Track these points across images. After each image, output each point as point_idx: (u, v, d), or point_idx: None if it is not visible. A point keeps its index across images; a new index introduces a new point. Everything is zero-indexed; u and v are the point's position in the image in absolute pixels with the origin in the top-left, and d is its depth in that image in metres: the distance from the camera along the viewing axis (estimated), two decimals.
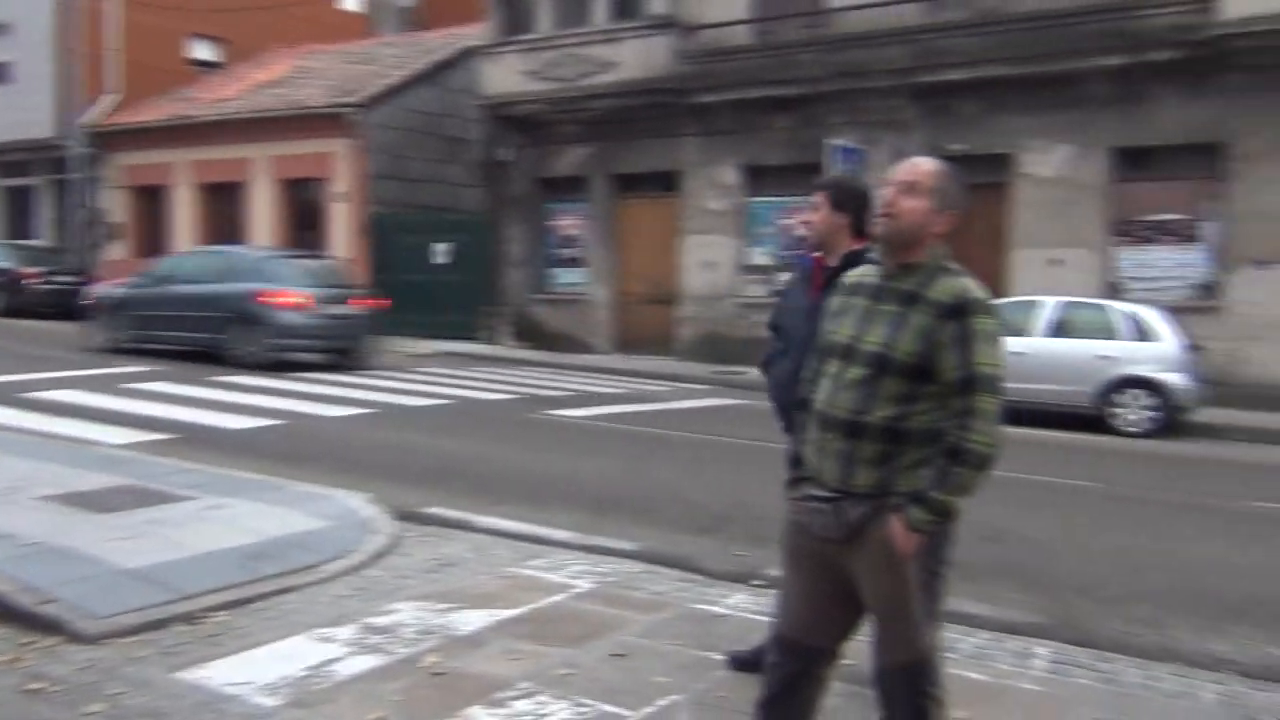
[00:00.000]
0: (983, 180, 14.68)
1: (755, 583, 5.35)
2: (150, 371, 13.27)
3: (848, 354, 2.74)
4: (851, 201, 3.92)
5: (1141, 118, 14.78)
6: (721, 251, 18.36)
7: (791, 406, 3.82)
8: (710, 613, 4.76)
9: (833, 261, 3.87)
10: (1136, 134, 14.86)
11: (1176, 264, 14.83)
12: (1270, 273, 13.94)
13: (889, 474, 2.67)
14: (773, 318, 4.26)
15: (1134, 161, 15.13)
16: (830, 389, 2.76)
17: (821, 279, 3.85)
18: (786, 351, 3.99)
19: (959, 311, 2.61)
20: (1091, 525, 6.92)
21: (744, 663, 3.96)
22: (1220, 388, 13.28)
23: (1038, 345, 11.97)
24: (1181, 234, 14.77)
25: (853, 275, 2.92)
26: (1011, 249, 15.52)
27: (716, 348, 18.08)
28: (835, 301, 2.90)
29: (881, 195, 2.78)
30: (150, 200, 25.61)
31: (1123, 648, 4.60)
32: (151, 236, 25.24)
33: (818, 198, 3.94)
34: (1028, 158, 15.58)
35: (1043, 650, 4.46)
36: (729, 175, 18.25)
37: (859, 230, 3.91)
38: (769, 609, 4.82)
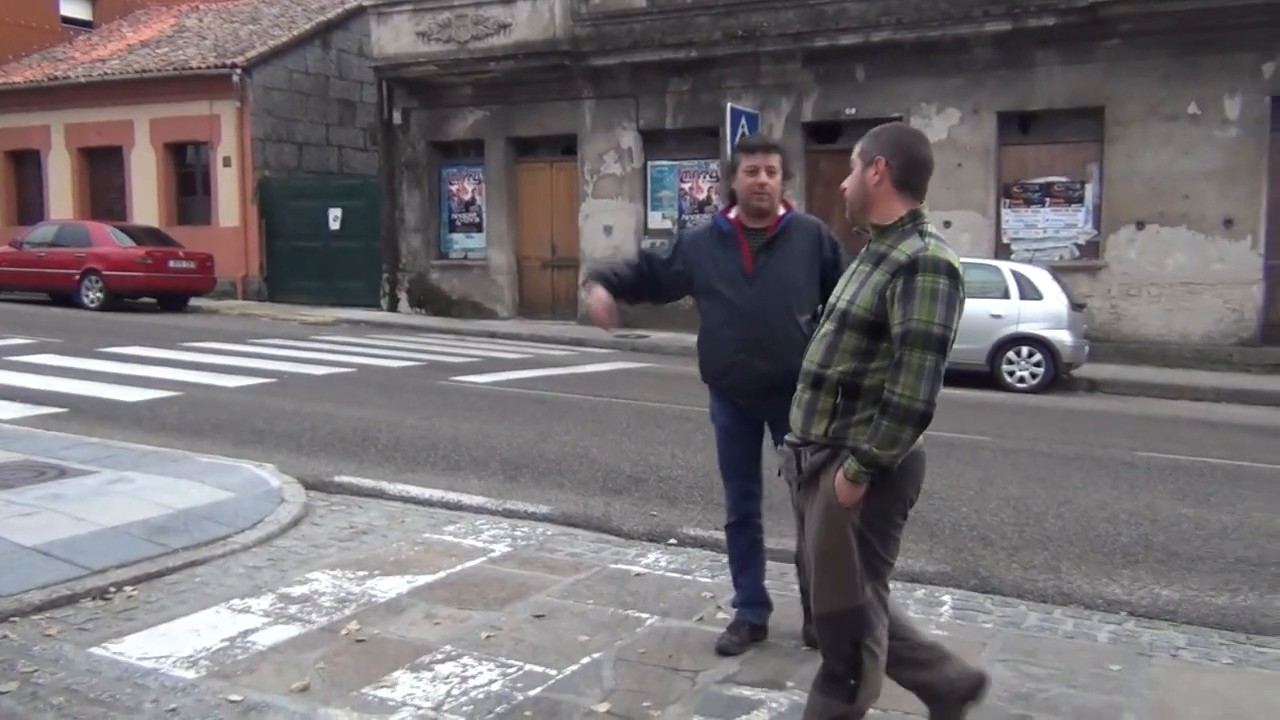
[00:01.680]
0: None
1: (671, 542, 5.44)
2: (36, 344, 12.77)
3: (829, 313, 2.87)
4: (789, 165, 3.95)
5: (1027, 83, 15.23)
6: (622, 215, 18.36)
7: (732, 375, 3.88)
8: (628, 572, 4.83)
9: (762, 223, 3.87)
10: (1023, 98, 15.30)
11: (1062, 225, 15.36)
12: (1146, 233, 14.54)
13: (842, 427, 2.76)
14: (663, 255, 4.09)
15: (1021, 125, 15.59)
16: (810, 343, 2.92)
17: (750, 243, 3.85)
18: (725, 322, 3.86)
19: (909, 269, 2.66)
20: (989, 478, 7.17)
21: (731, 646, 3.92)
22: (1102, 344, 13.86)
23: None
24: (1066, 196, 15.29)
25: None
26: None
27: (619, 311, 18.09)
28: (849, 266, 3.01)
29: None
30: (22, 166, 24.50)
31: (1023, 593, 4.82)
32: (25, 204, 24.19)
33: (774, 160, 3.85)
34: (918, 121, 15.88)
35: (948, 597, 4.65)
36: (628, 139, 18.23)
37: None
38: (687, 566, 4.93)
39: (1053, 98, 15.01)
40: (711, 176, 17.69)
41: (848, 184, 2.89)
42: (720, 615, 4.26)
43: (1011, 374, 12.32)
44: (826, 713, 2.86)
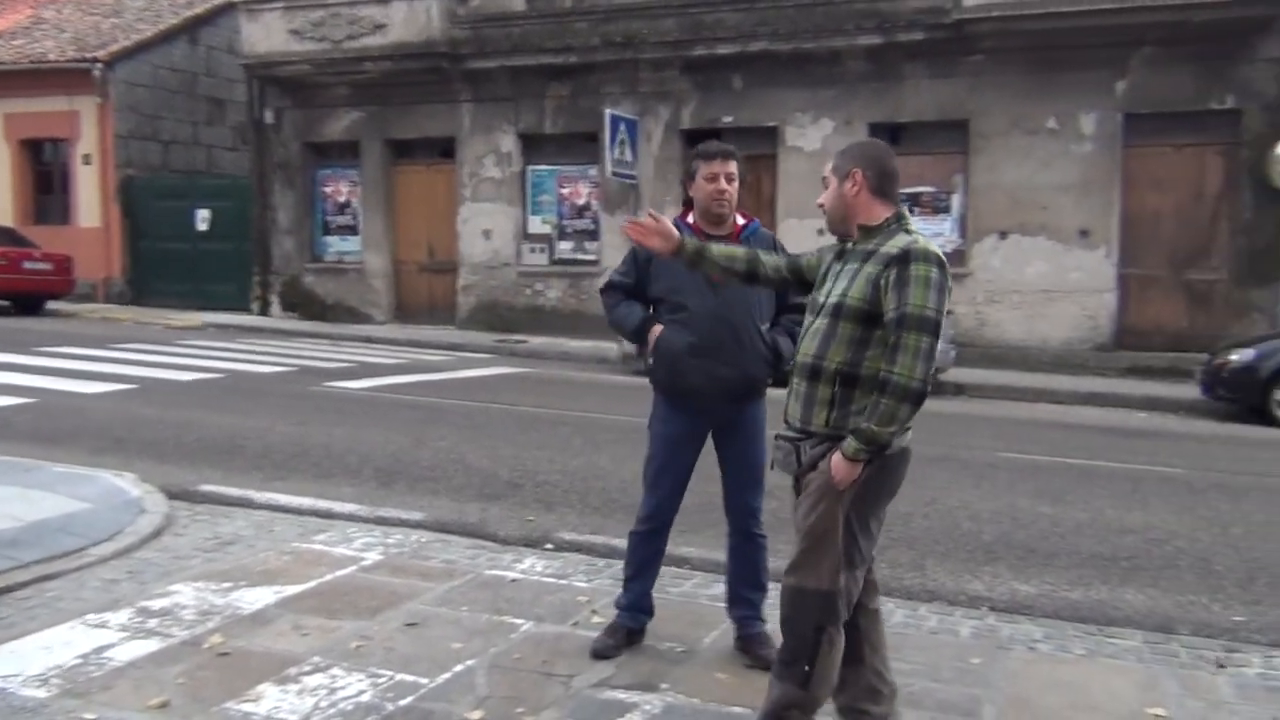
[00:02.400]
0: (752, 152, 15.17)
1: (547, 547, 5.42)
2: None
3: (817, 309, 3.04)
4: (746, 176, 3.94)
5: (896, 95, 15.67)
6: (500, 220, 18.24)
7: (691, 379, 3.84)
8: (503, 578, 4.79)
9: (722, 231, 3.85)
10: (892, 110, 15.73)
11: (929, 233, 15.68)
12: (1008, 242, 15.11)
13: (842, 417, 2.92)
14: (631, 284, 3.99)
15: (891, 136, 15.96)
16: (800, 339, 3.08)
17: None
18: (685, 327, 3.80)
19: (901, 259, 2.86)
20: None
21: (606, 650, 3.90)
22: (968, 349, 14.34)
23: None
24: (934, 205, 15.77)
25: (840, 246, 3.14)
26: (782, 219, 16.14)
27: (498, 316, 18.02)
28: (823, 269, 3.16)
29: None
30: None
31: (890, 591, 4.91)
32: None
33: (733, 167, 3.83)
34: (793, 131, 16.21)
35: None
36: (507, 142, 18.12)
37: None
38: (563, 571, 4.92)
39: (921, 110, 15.47)
40: (591, 182, 17.71)
41: (825, 200, 3.08)
42: (596, 619, 4.26)
43: None
44: (782, 701, 2.99)
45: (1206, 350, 12.65)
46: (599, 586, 4.71)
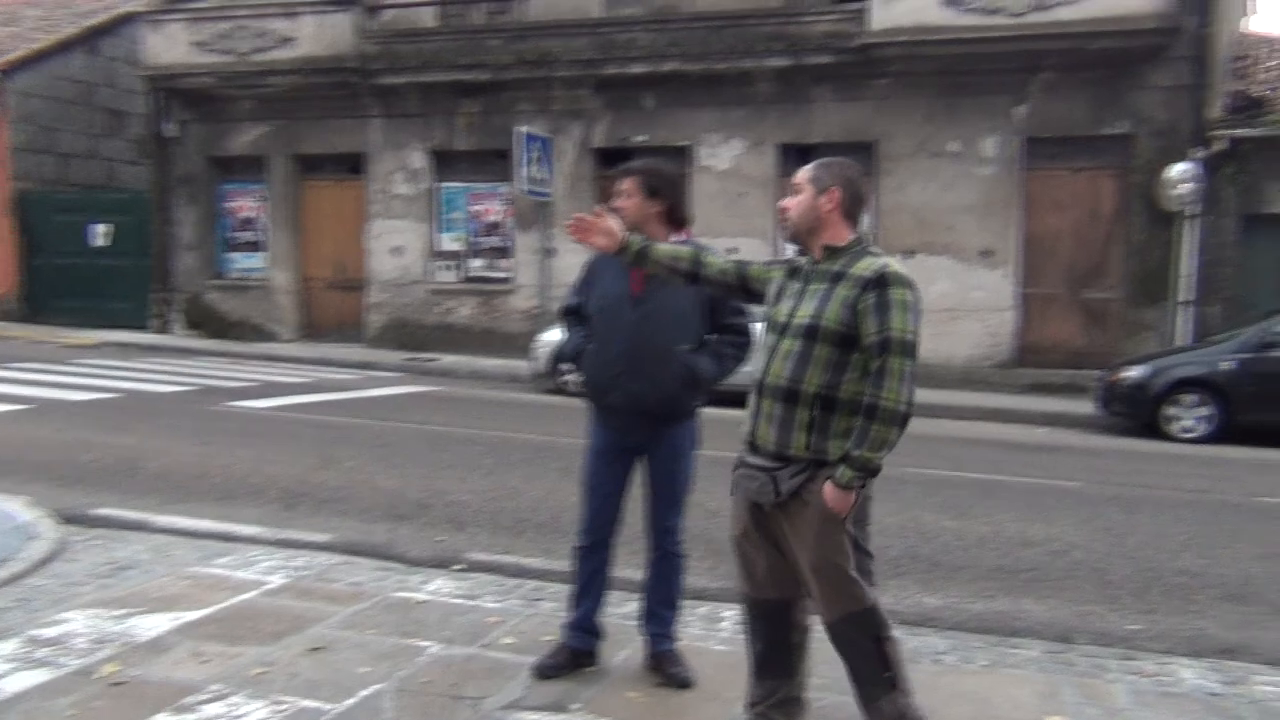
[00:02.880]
0: None
1: (457, 567, 5.35)
2: None
3: (784, 330, 3.04)
4: (666, 188, 3.82)
5: (805, 117, 15.93)
6: (411, 237, 18.05)
7: (612, 395, 3.82)
8: (411, 600, 4.72)
9: None
10: (801, 131, 15.98)
11: (795, 256, 16.06)
12: (914, 262, 15.42)
13: (821, 440, 2.95)
14: (579, 304, 3.98)
15: (800, 157, 16.21)
16: (766, 360, 3.06)
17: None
18: (605, 343, 3.79)
19: (878, 283, 2.91)
20: None
21: (548, 669, 3.87)
22: None
23: None
24: None
25: (792, 263, 3.19)
26: (694, 237, 16.20)
27: (407, 334, 17.81)
28: (775, 286, 3.20)
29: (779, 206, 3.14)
30: None
31: None
32: None
33: (627, 184, 3.80)
34: (705, 151, 16.36)
35: (730, 613, 4.75)
36: (417, 159, 17.96)
37: (674, 219, 3.83)
38: (473, 592, 4.86)
39: (829, 132, 15.73)
40: (503, 199, 17.63)
41: (793, 206, 3.09)
42: (506, 640, 4.22)
43: None
44: (884, 711, 3.05)
45: (1102, 367, 13.08)
46: (509, 607, 4.66)
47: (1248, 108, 14.40)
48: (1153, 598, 5.37)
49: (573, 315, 4.01)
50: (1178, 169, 13.92)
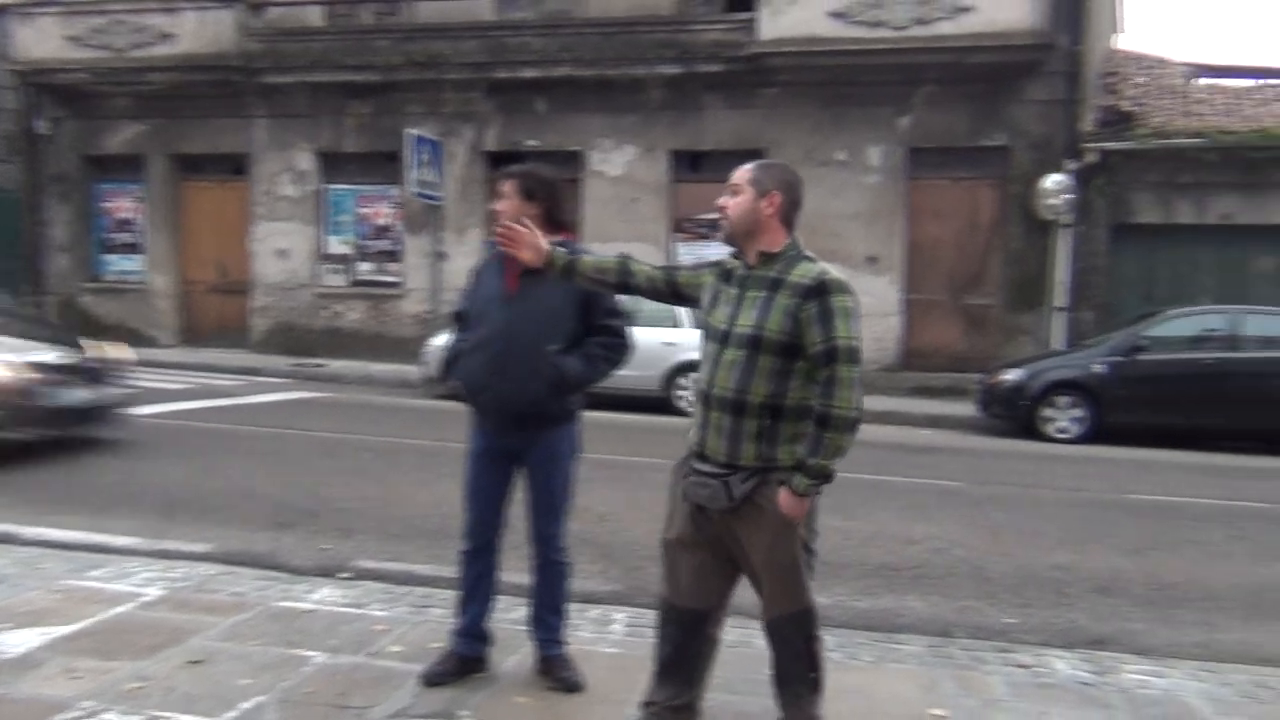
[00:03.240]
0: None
1: (343, 575, 5.25)
2: None
3: (725, 339, 3.01)
4: (542, 191, 3.75)
5: (696, 124, 16.09)
6: (297, 239, 17.69)
7: (483, 397, 3.77)
8: (296, 609, 4.61)
9: None
10: (693, 139, 16.14)
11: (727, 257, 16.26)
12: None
13: (770, 448, 2.96)
14: (461, 306, 3.97)
15: (690, 163, 16.41)
16: (711, 371, 3.03)
17: (517, 269, 3.71)
18: (479, 343, 3.76)
19: (819, 291, 2.91)
20: (655, 497, 7.44)
21: (436, 677, 3.81)
22: None
23: None
24: None
25: (722, 266, 3.17)
26: (585, 242, 16.17)
27: (295, 339, 17.44)
28: (709, 291, 3.16)
29: (716, 204, 3.12)
30: None
31: None
32: None
33: (506, 186, 3.75)
34: (597, 156, 16.40)
35: (621, 615, 4.77)
36: (304, 160, 17.61)
37: (553, 221, 3.76)
38: (360, 600, 4.77)
39: (720, 139, 15.92)
40: (393, 202, 17.40)
41: (733, 206, 3.06)
42: (394, 648, 4.16)
43: (682, 399, 12.89)
44: (806, 711, 3.12)
45: (982, 371, 13.50)
46: (397, 615, 4.60)
47: (1117, 122, 15.05)
48: (1028, 592, 5.56)
49: (457, 319, 3.99)
50: (1052, 180, 14.46)
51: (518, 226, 3.39)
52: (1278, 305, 13.79)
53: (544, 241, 3.38)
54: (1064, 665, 4.33)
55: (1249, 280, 14.78)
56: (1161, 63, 18.65)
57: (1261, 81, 17.94)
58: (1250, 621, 5.15)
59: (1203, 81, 17.99)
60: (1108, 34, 17.37)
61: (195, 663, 3.92)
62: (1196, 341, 12.12)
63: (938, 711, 3.75)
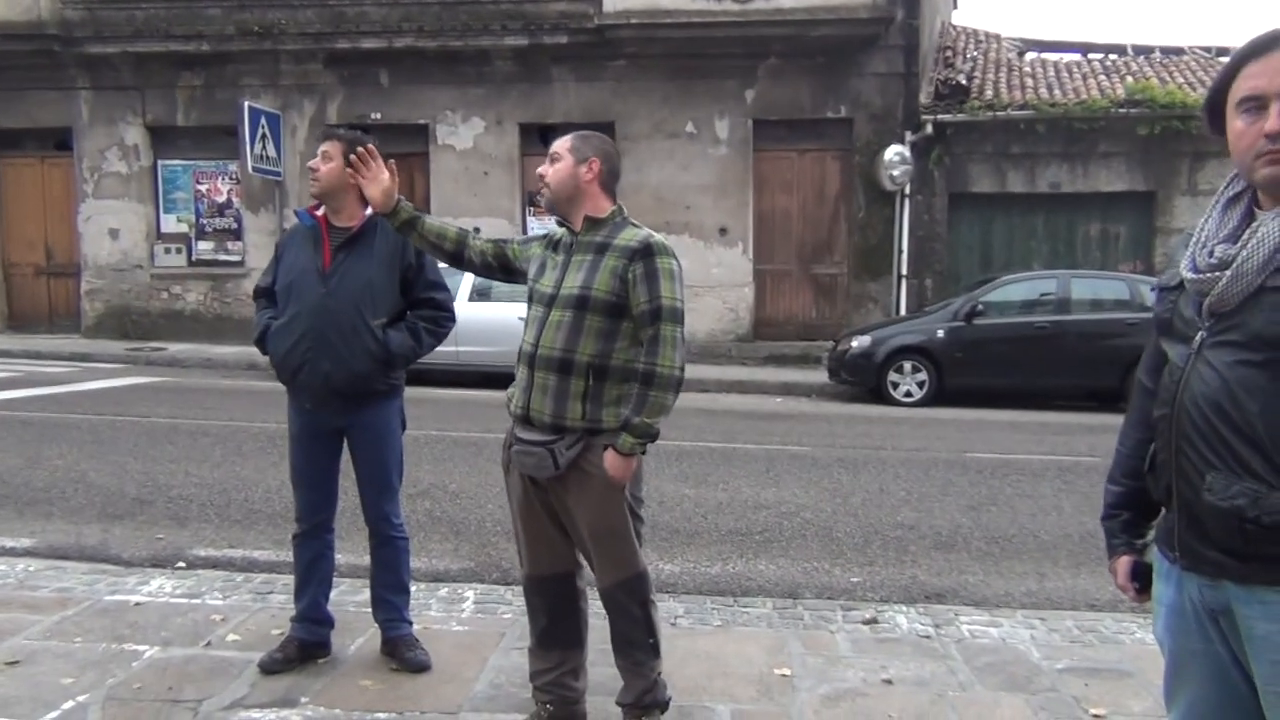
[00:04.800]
0: (402, 150, 15.00)
1: (179, 565, 5.04)
2: None
3: (552, 301, 3.02)
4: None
5: (545, 96, 15.95)
6: (130, 218, 16.87)
7: (301, 374, 3.61)
8: (126, 603, 4.39)
9: (345, 222, 3.66)
10: (542, 111, 16.00)
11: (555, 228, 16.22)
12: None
13: (596, 409, 2.97)
14: (266, 281, 3.81)
15: (541, 136, 16.26)
16: (536, 332, 3.03)
17: (331, 240, 3.61)
18: (293, 319, 3.62)
19: (645, 253, 2.98)
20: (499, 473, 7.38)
21: (274, 664, 3.67)
22: None
23: (463, 310, 12.39)
24: None
25: (550, 236, 3.20)
26: (441, 215, 15.93)
27: (130, 323, 16.66)
28: (536, 261, 3.17)
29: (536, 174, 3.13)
30: None
31: None
32: None
33: (330, 147, 3.61)
34: (444, 129, 16.11)
35: (471, 593, 4.70)
36: (133, 135, 16.77)
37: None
38: (196, 590, 4.58)
39: (569, 111, 15.81)
40: (231, 178, 16.74)
41: (551, 174, 3.07)
42: (231, 637, 4.00)
43: None
44: (648, 677, 3.13)
45: (831, 338, 13.83)
46: (236, 603, 4.43)
47: (952, 95, 15.56)
48: (873, 551, 5.71)
49: (265, 295, 3.82)
50: (892, 151, 14.88)
51: (379, 160, 3.25)
52: (1104, 269, 14.55)
53: (393, 183, 3.25)
54: (905, 620, 4.46)
55: (1077, 246, 15.55)
56: (993, 38, 19.38)
57: (1085, 56, 18.82)
58: (1078, 570, 5.40)
59: (1031, 56, 18.77)
60: (943, 9, 17.91)
61: (12, 664, 3.69)
62: (1029, 305, 12.66)
63: (783, 671, 3.81)
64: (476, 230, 3.51)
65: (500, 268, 3.33)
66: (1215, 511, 1.77)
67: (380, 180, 3.23)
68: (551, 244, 3.19)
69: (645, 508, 3.18)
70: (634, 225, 3.10)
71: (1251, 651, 1.82)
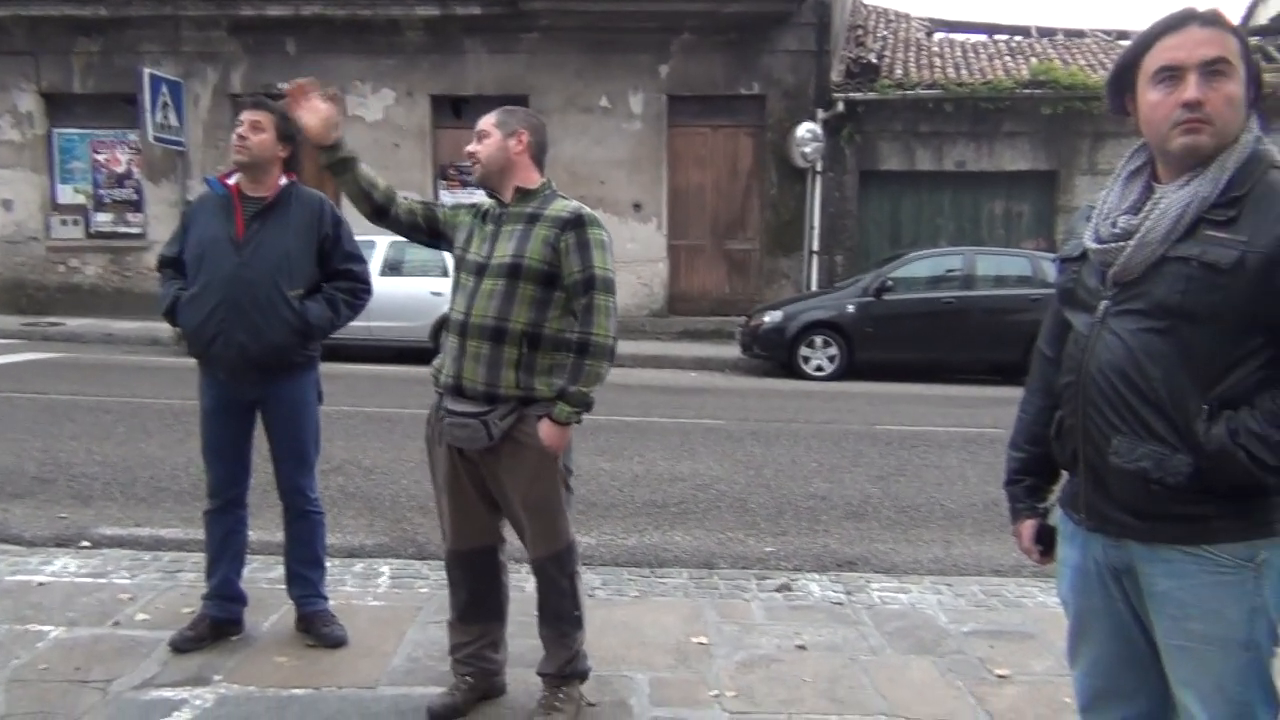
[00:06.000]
0: None
1: (83, 544, 4.91)
2: None
3: (483, 270, 3.02)
4: (298, 134, 3.52)
5: (458, 68, 15.76)
6: (24, 188, 16.26)
7: (215, 346, 3.53)
8: (29, 583, 4.27)
9: (261, 191, 3.59)
10: (454, 83, 15.81)
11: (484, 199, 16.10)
12: None
13: (528, 377, 2.98)
14: (172, 250, 3.71)
15: (453, 109, 16.09)
16: (468, 300, 3.01)
17: (244, 210, 3.55)
18: (205, 289, 3.54)
19: (576, 223, 3.00)
20: (422, 448, 7.32)
21: (186, 642, 3.61)
22: None
23: (375, 285, 12.16)
24: None
25: (479, 207, 3.19)
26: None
27: (25, 297, 16.10)
28: (464, 229, 3.17)
29: (465, 152, 3.14)
30: None
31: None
32: None
33: (260, 116, 3.53)
34: (354, 100, 15.81)
35: (386, 568, 4.67)
36: (27, 102, 16.16)
37: (292, 166, 3.66)
38: (102, 569, 4.47)
39: (482, 84, 15.66)
40: (131, 147, 16.23)
41: (482, 150, 3.07)
42: (140, 616, 3.92)
43: None
44: (571, 648, 3.15)
45: (744, 314, 13.96)
46: (145, 581, 4.34)
47: (863, 73, 15.76)
48: (786, 521, 5.81)
49: (171, 266, 3.73)
50: (803, 129, 15.03)
51: (323, 91, 3.18)
52: (1007, 246, 14.92)
53: (336, 117, 3.17)
54: (817, 587, 4.56)
55: (982, 223, 15.91)
56: (903, 17, 19.66)
57: (991, 37, 19.22)
58: (983, 537, 5.57)
59: (939, 36, 19.11)
60: None
61: None
62: (936, 281, 12.94)
63: (700, 639, 3.87)
64: None
65: (428, 230, 3.28)
66: (1121, 473, 1.85)
67: (318, 109, 3.13)
68: (480, 214, 3.18)
69: (573, 478, 3.20)
70: (563, 197, 3.12)
71: (1153, 607, 1.91)
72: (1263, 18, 19.70)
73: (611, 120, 15.67)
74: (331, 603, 3.88)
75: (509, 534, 3.27)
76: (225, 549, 3.74)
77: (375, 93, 15.83)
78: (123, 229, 16.45)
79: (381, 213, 3.23)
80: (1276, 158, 1.82)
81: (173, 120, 14.81)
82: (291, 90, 3.16)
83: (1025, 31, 19.46)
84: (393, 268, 12.69)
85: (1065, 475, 2.08)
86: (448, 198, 15.92)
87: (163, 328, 13.44)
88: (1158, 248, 1.81)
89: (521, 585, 4.06)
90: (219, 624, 3.71)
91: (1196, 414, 1.77)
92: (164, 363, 11.64)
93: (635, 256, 15.73)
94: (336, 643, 3.69)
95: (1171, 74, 1.81)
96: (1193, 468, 1.78)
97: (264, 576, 4.32)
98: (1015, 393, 2.33)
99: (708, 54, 15.47)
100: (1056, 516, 2.13)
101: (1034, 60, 16.70)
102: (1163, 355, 1.80)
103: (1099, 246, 1.91)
